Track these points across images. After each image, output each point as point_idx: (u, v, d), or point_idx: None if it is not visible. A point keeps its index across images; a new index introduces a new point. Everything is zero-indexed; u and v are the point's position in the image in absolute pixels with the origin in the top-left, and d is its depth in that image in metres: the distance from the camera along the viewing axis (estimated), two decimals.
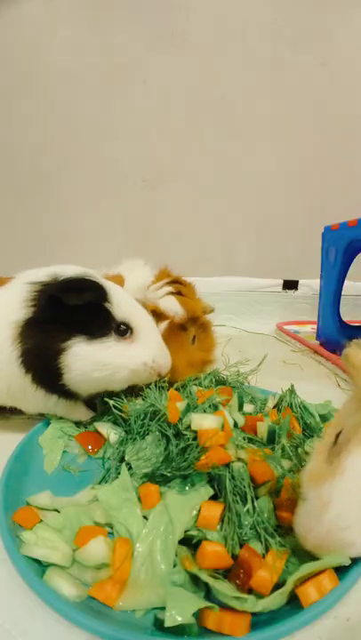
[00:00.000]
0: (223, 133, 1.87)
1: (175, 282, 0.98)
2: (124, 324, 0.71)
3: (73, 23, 1.89)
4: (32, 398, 0.72)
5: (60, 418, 0.77)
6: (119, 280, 1.01)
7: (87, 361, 0.67)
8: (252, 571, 0.44)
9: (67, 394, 0.72)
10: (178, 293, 0.94)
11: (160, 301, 0.90)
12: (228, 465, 0.55)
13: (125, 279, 1.02)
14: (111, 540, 0.49)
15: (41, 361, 0.67)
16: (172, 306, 0.89)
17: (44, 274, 0.72)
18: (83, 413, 0.79)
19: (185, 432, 0.62)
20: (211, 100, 1.85)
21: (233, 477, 0.54)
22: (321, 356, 1.39)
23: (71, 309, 0.65)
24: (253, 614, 0.41)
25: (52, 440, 0.71)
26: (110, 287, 0.72)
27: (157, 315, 0.87)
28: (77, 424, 0.77)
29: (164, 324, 0.86)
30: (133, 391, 0.77)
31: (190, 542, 0.49)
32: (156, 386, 0.77)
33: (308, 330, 1.69)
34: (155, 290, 0.95)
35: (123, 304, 0.72)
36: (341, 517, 0.40)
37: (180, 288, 0.96)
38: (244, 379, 0.92)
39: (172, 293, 0.93)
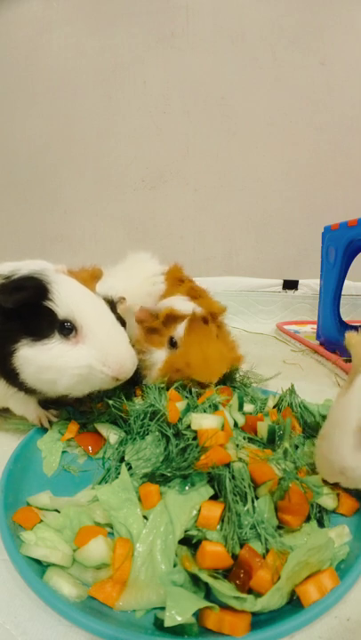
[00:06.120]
0: (223, 133, 1.87)
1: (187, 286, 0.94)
2: (69, 322, 0.65)
3: (73, 23, 1.89)
4: None
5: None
6: (92, 273, 0.97)
7: (32, 365, 0.63)
8: (252, 571, 0.44)
9: (29, 390, 0.68)
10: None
11: (173, 303, 0.86)
12: (228, 465, 0.55)
13: (132, 273, 0.99)
14: (111, 540, 0.49)
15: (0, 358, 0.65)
16: (187, 304, 0.86)
17: (7, 270, 0.68)
18: (31, 411, 0.76)
19: (185, 432, 0.62)
20: (211, 99, 1.85)
21: (233, 477, 0.54)
22: (321, 355, 1.38)
23: (15, 310, 0.62)
24: (253, 614, 0.41)
25: (50, 443, 0.71)
26: (56, 283, 0.66)
27: (175, 317, 0.83)
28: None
29: (184, 323, 0.82)
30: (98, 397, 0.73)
31: (190, 542, 0.49)
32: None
33: (308, 330, 1.69)
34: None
35: (69, 301, 0.65)
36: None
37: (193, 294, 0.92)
38: (251, 383, 0.92)
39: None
